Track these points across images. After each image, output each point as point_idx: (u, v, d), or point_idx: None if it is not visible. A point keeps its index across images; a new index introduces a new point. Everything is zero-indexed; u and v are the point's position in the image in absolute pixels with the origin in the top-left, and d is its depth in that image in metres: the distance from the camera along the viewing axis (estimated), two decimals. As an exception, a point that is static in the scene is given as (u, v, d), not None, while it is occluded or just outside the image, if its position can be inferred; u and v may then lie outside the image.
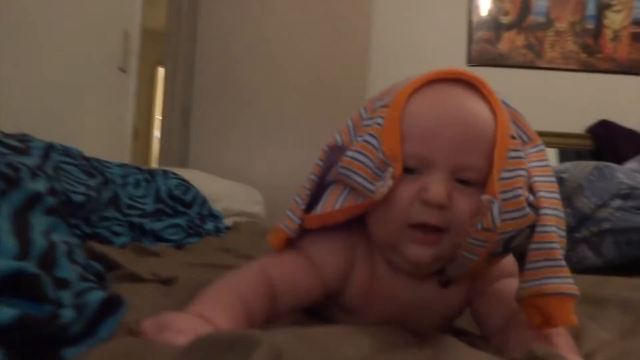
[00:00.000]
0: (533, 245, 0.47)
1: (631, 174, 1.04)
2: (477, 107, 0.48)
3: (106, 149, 1.77)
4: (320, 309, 0.58)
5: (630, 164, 1.23)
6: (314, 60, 2.53)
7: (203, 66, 2.56)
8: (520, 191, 0.46)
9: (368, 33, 2.57)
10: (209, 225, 1.35)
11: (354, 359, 0.41)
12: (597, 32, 2.67)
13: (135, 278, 0.68)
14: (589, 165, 1.01)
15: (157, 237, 1.14)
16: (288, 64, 2.53)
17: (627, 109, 2.61)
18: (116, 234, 1.06)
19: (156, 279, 0.69)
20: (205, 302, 0.46)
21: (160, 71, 4.55)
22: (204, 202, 1.44)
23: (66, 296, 0.41)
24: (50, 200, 0.52)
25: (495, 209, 0.45)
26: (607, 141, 2.49)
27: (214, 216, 1.44)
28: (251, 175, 2.36)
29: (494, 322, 0.53)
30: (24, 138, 1.01)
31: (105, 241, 1.01)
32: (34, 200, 0.49)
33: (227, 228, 1.44)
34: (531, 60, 2.67)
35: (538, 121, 2.84)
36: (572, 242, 0.93)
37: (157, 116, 4.80)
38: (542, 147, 0.51)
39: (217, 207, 1.56)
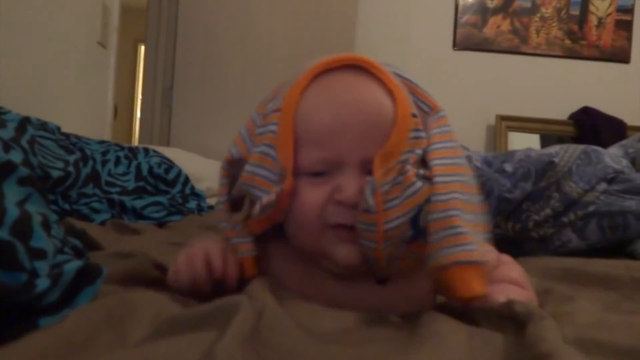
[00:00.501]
0: (431, 217, 0.44)
1: (617, 158, 1.04)
2: (373, 95, 0.45)
3: (86, 126, 1.73)
4: None
5: (612, 150, 1.24)
6: (299, 41, 2.49)
7: (185, 44, 2.50)
8: (408, 167, 0.44)
9: (355, 14, 2.54)
10: (192, 204, 1.33)
11: (335, 328, 0.41)
12: (582, 19, 2.69)
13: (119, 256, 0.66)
14: (577, 149, 1.01)
15: (139, 215, 1.11)
16: (272, 42, 2.49)
17: (609, 96, 2.64)
18: (96, 210, 1.03)
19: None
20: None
21: (142, 49, 4.46)
22: (187, 180, 1.41)
23: (42, 266, 0.39)
24: (24, 171, 0.50)
25: (368, 189, 0.43)
26: (589, 128, 2.52)
27: (196, 195, 1.42)
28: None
29: None
30: (-2, 110, 0.98)
31: (85, 218, 0.99)
32: (6, 169, 0.46)
33: (210, 207, 1.42)
34: (516, 46, 2.67)
35: (521, 107, 2.85)
36: (559, 227, 0.93)
37: (140, 96, 4.71)
38: (442, 113, 0.49)
39: (200, 186, 1.54)
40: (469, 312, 0.45)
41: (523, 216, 0.93)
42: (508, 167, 0.96)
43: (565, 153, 0.97)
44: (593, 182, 0.93)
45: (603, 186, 0.94)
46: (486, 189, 0.91)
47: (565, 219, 0.92)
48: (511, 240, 0.95)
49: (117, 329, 0.34)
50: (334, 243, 0.45)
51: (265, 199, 0.45)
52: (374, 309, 0.47)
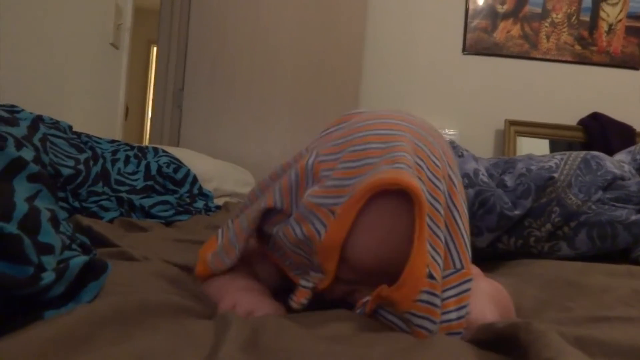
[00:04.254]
0: None
1: (618, 164, 1.04)
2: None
3: (97, 125, 1.76)
4: None
5: (619, 156, 1.24)
6: (308, 43, 2.51)
7: (196, 45, 2.53)
8: None
9: (364, 17, 2.55)
10: (199, 204, 1.34)
11: (341, 332, 0.41)
12: (593, 25, 2.67)
13: (125, 256, 0.67)
14: (577, 158, 0.99)
15: (147, 214, 1.13)
16: (282, 45, 2.51)
17: (619, 102, 2.62)
18: (105, 209, 1.05)
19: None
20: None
21: (155, 50, 4.49)
22: (195, 180, 1.43)
23: (49, 261, 0.40)
24: (35, 168, 0.52)
25: None
26: (598, 133, 2.50)
27: (204, 195, 1.44)
28: (242, 156, 2.35)
29: None
30: (12, 109, 1.00)
31: (94, 216, 1.01)
32: (17, 165, 0.48)
33: (218, 207, 1.44)
34: (526, 51, 2.67)
35: (530, 112, 2.85)
36: (555, 240, 0.93)
37: (152, 97, 4.75)
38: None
39: (208, 186, 1.55)
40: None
41: (525, 232, 0.92)
42: (509, 182, 0.95)
43: (565, 165, 0.96)
44: (592, 192, 0.92)
45: (598, 194, 0.93)
46: (489, 205, 0.90)
47: (560, 233, 0.92)
48: (511, 253, 0.94)
49: (122, 325, 0.35)
50: None
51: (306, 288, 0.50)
52: None
